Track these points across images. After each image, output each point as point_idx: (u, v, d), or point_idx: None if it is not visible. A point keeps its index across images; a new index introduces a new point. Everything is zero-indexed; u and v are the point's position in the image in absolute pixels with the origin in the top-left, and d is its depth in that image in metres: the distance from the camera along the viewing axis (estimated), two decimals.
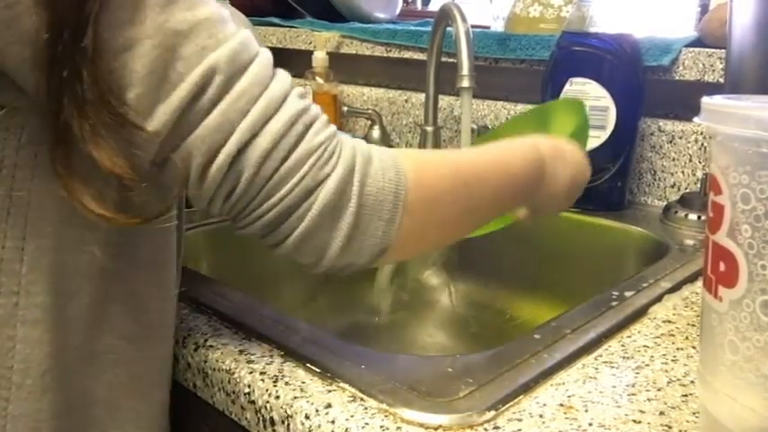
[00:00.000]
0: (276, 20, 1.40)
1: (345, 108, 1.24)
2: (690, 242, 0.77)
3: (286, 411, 0.45)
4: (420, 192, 0.45)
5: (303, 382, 0.47)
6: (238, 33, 0.41)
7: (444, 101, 1.12)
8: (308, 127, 0.42)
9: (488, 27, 1.23)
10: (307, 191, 0.41)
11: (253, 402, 0.47)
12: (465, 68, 0.87)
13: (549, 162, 0.56)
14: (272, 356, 0.51)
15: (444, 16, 0.98)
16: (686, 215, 0.82)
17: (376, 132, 1.19)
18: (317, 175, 0.42)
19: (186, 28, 0.38)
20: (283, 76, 0.43)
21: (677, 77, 0.88)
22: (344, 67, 1.26)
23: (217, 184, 0.41)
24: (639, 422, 0.43)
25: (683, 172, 0.90)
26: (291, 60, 1.36)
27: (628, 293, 0.62)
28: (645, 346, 0.53)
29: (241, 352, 0.51)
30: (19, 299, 0.42)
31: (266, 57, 0.42)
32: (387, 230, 0.44)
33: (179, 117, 0.38)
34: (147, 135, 0.38)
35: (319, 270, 0.45)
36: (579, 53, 0.87)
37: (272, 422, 0.46)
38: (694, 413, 0.44)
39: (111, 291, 0.46)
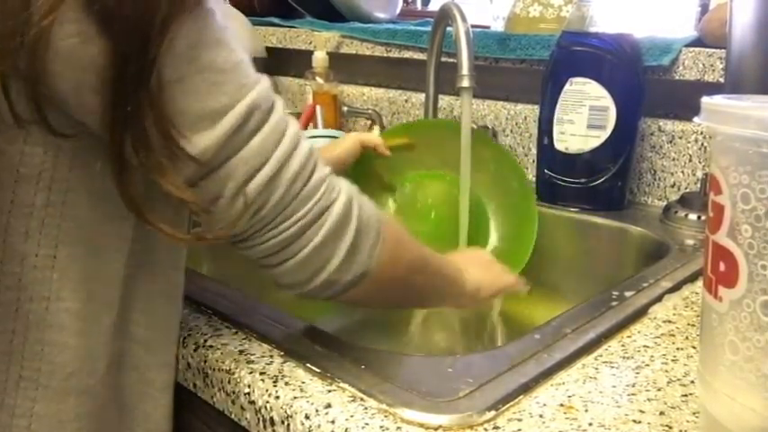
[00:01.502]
0: (276, 20, 1.40)
1: (345, 108, 1.24)
2: (690, 242, 0.77)
3: (286, 411, 0.45)
4: (392, 231, 0.52)
5: (303, 382, 0.47)
6: (264, 77, 0.46)
7: (444, 101, 1.12)
8: (317, 160, 0.48)
9: (488, 27, 1.23)
10: (322, 209, 0.47)
11: (253, 402, 0.47)
12: (465, 68, 0.87)
13: (465, 269, 0.65)
14: (272, 356, 0.51)
15: (444, 16, 0.98)
16: (686, 215, 0.82)
17: (376, 132, 1.19)
18: (329, 196, 0.47)
19: (230, 67, 0.42)
20: (292, 118, 0.48)
21: (677, 77, 0.88)
22: (344, 67, 1.26)
23: (251, 201, 0.44)
24: (639, 422, 0.43)
25: (683, 172, 0.90)
26: (291, 60, 1.36)
27: (628, 293, 0.62)
28: (645, 346, 0.53)
29: (241, 352, 0.51)
30: (49, 304, 0.44)
31: (281, 101, 0.47)
32: (371, 253, 0.50)
33: (226, 140, 0.42)
34: (188, 161, 0.41)
35: (305, 289, 0.49)
36: (579, 53, 0.87)
37: (272, 422, 0.46)
38: (694, 413, 0.44)
39: (131, 297, 0.48)
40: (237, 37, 0.44)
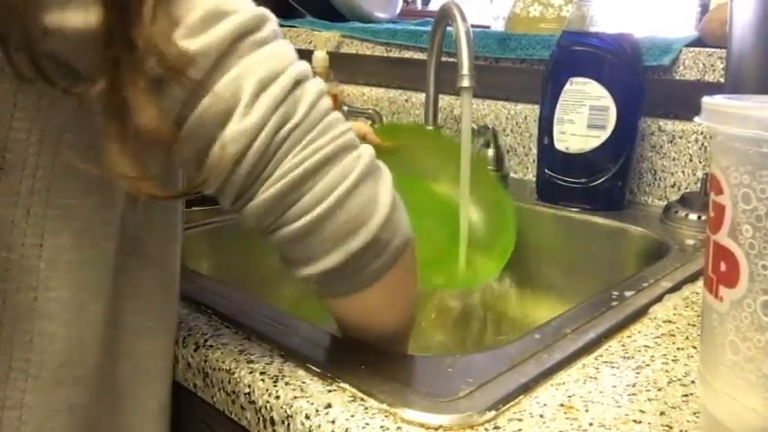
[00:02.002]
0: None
1: (345, 108, 1.24)
2: (690, 242, 0.77)
3: (286, 411, 0.45)
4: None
5: (303, 382, 0.47)
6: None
7: (444, 101, 1.12)
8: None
9: (488, 27, 1.23)
10: (354, 141, 0.42)
11: (253, 402, 0.47)
12: (465, 68, 0.87)
13: None
14: (272, 356, 0.51)
15: (444, 16, 0.98)
16: (686, 215, 0.82)
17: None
18: (355, 139, 0.42)
19: None
20: None
21: (677, 77, 0.88)
22: (344, 66, 1.26)
23: (276, 105, 0.39)
24: (640, 422, 0.43)
25: (683, 172, 0.90)
26: None
27: (628, 293, 0.62)
28: (645, 345, 0.53)
29: (241, 352, 0.51)
30: (37, 294, 0.43)
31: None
32: (407, 223, 0.45)
33: (234, 39, 0.38)
34: (195, 55, 0.37)
35: (352, 249, 0.41)
36: (579, 53, 0.87)
37: (272, 422, 0.46)
38: (695, 413, 0.44)
39: (122, 285, 0.48)
40: None
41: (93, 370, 0.47)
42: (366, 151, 0.42)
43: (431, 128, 0.98)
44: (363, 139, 0.79)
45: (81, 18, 0.37)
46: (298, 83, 0.40)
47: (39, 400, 0.44)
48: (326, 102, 0.41)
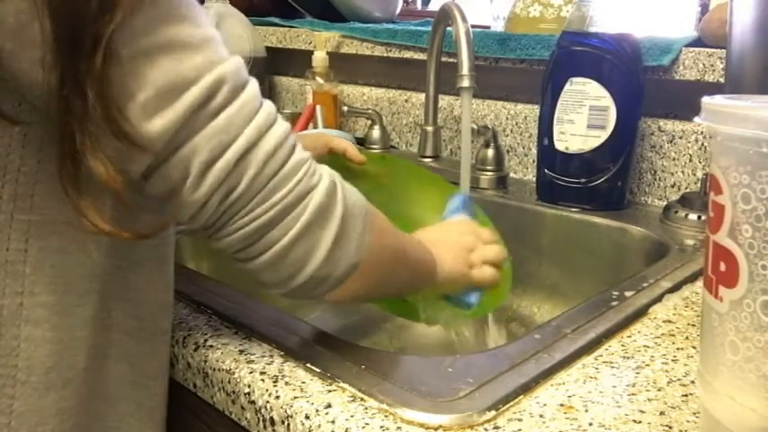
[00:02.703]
0: (276, 20, 1.40)
1: (345, 108, 1.24)
2: (690, 242, 0.77)
3: (286, 411, 0.45)
4: (376, 219, 0.50)
5: (303, 382, 0.47)
6: (236, 56, 0.44)
7: (444, 101, 1.12)
8: (296, 142, 0.45)
9: (488, 27, 1.23)
10: (302, 193, 0.44)
11: (253, 402, 0.47)
12: (465, 68, 0.87)
13: (436, 253, 0.61)
14: (272, 356, 0.51)
15: (444, 16, 0.98)
16: (686, 215, 0.82)
17: (376, 132, 1.19)
18: (310, 181, 0.45)
19: (196, 42, 0.41)
20: (268, 101, 0.46)
21: (677, 77, 0.88)
22: (344, 67, 1.26)
23: (219, 182, 0.42)
24: (640, 422, 0.43)
25: (683, 172, 0.90)
26: (291, 60, 1.36)
27: (628, 293, 0.62)
28: (645, 346, 0.53)
29: (241, 352, 0.51)
30: (23, 299, 0.43)
31: (255, 81, 0.45)
32: (360, 243, 0.47)
33: (187, 118, 0.40)
34: (150, 138, 0.40)
35: (290, 287, 0.47)
36: (579, 53, 0.87)
37: (272, 422, 0.46)
38: (694, 413, 0.44)
39: (113, 288, 0.47)
40: (205, 16, 0.43)
41: (83, 373, 0.46)
42: (315, 198, 0.45)
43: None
44: (344, 155, 0.79)
45: (36, 57, 0.37)
46: (243, 156, 0.42)
47: (28, 405, 0.44)
48: (275, 162, 0.43)
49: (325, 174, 0.46)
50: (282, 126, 0.44)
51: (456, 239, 0.66)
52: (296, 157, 0.45)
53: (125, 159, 0.40)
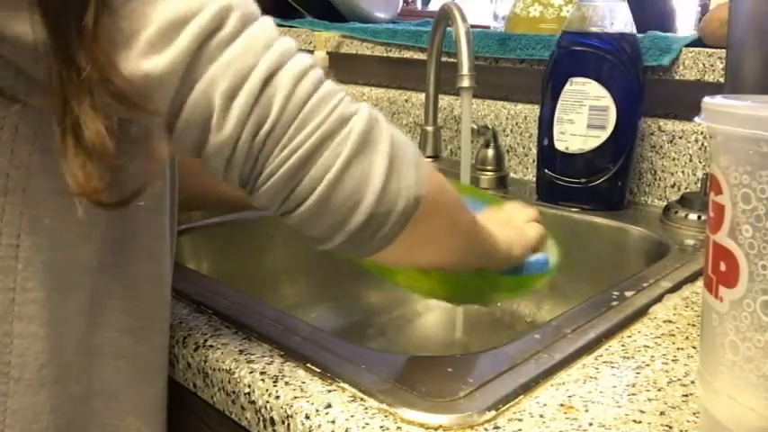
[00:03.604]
0: (276, 20, 1.39)
1: None
2: (690, 242, 0.77)
3: (286, 411, 0.45)
4: (429, 165, 0.46)
5: (303, 382, 0.47)
6: None
7: (444, 101, 1.12)
8: (322, 75, 0.42)
9: (488, 27, 1.23)
10: (343, 117, 0.41)
11: (253, 402, 0.47)
12: (465, 68, 0.87)
13: (488, 226, 0.56)
14: (272, 356, 0.51)
15: (444, 16, 0.98)
16: (686, 215, 0.82)
17: None
18: (347, 108, 0.42)
19: None
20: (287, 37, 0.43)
21: (677, 77, 0.88)
22: (344, 67, 1.26)
23: (247, 111, 0.38)
24: (640, 422, 0.43)
25: (683, 172, 0.90)
26: None
27: (628, 293, 0.62)
28: (645, 346, 0.53)
29: (241, 352, 0.51)
30: (15, 295, 0.43)
31: (269, 18, 0.43)
32: (418, 174, 0.43)
33: (197, 49, 0.37)
34: (159, 78, 0.37)
35: (348, 231, 0.42)
36: (579, 53, 0.87)
37: (272, 422, 0.46)
38: (694, 413, 0.44)
39: (109, 284, 0.47)
40: None
41: (76, 370, 0.46)
42: (357, 123, 0.41)
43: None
44: None
45: (27, 29, 0.36)
46: (268, 80, 0.39)
47: (22, 402, 0.44)
48: (306, 84, 0.40)
49: (364, 104, 0.43)
50: (306, 56, 0.41)
51: (507, 221, 0.63)
52: (327, 85, 0.41)
53: (133, 113, 0.38)
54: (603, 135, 0.86)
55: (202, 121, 0.38)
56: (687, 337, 0.55)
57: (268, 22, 0.41)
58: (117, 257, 0.47)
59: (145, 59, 0.37)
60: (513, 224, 0.63)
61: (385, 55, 1.21)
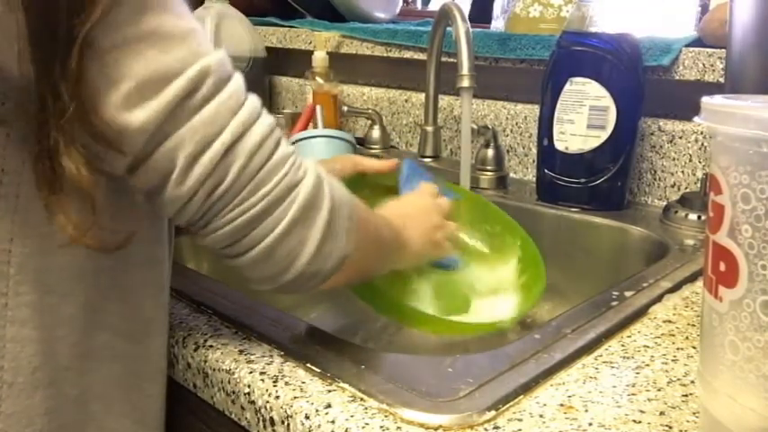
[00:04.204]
0: (276, 20, 1.40)
1: (345, 108, 1.24)
2: (690, 242, 0.77)
3: (286, 411, 0.45)
4: (360, 209, 0.50)
5: (303, 382, 0.47)
6: (220, 49, 0.44)
7: (444, 101, 1.12)
8: (281, 137, 0.45)
9: (488, 27, 1.23)
10: (290, 186, 0.44)
11: (253, 402, 0.47)
12: (465, 68, 0.87)
13: (403, 231, 0.62)
14: (272, 356, 0.51)
15: (444, 16, 0.98)
16: (686, 215, 0.82)
17: (376, 132, 1.19)
18: (296, 174, 0.45)
19: (179, 33, 0.41)
20: (253, 94, 0.45)
21: (677, 77, 0.88)
22: (344, 66, 1.26)
23: (206, 175, 0.41)
24: (640, 422, 0.43)
25: (683, 172, 0.90)
26: (291, 60, 1.36)
27: (628, 293, 0.62)
28: (645, 346, 0.53)
29: (241, 352, 0.51)
30: (8, 299, 0.43)
31: (240, 74, 0.45)
32: (348, 236, 0.48)
33: (171, 110, 0.40)
34: (132, 131, 0.39)
35: (280, 282, 0.46)
36: (579, 53, 0.87)
37: (272, 422, 0.46)
38: (694, 413, 0.44)
39: (105, 289, 0.47)
40: (188, 8, 0.42)
41: (70, 372, 0.46)
42: (302, 191, 0.44)
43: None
44: (372, 171, 0.77)
45: (14, 61, 0.37)
46: (229, 149, 0.42)
47: (16, 406, 0.44)
48: (262, 153, 0.43)
49: (311, 168, 0.46)
50: (268, 120, 0.44)
51: (422, 217, 0.67)
52: (282, 150, 0.44)
53: (105, 158, 0.40)
54: (603, 135, 0.86)
55: (164, 174, 0.41)
56: (687, 337, 0.55)
57: (238, 83, 0.43)
58: (112, 262, 0.47)
59: (122, 111, 0.39)
60: (425, 222, 0.67)
61: (385, 55, 1.21)
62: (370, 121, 1.20)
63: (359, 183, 0.75)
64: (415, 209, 0.68)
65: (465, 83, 0.87)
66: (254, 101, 0.44)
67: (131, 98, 0.39)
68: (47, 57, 0.37)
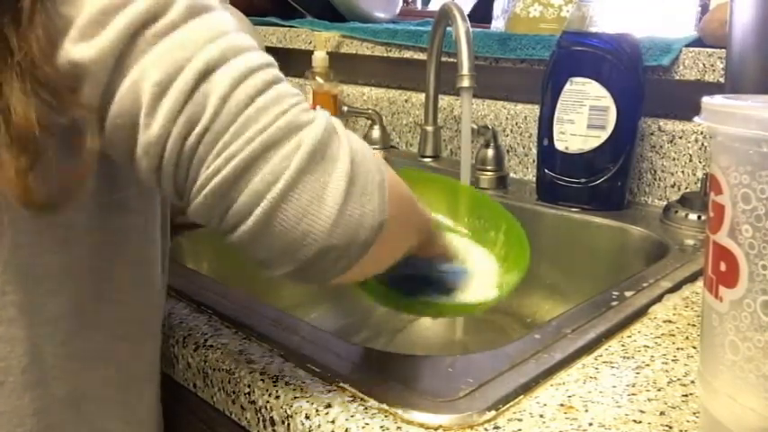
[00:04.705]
0: (276, 20, 1.40)
1: (345, 108, 1.24)
2: (690, 242, 0.77)
3: (286, 411, 0.45)
4: (390, 172, 0.41)
5: (303, 382, 0.47)
6: None
7: (444, 101, 1.12)
8: (282, 79, 0.38)
9: (488, 27, 1.23)
10: (291, 126, 0.35)
11: (253, 402, 0.47)
12: (465, 68, 0.87)
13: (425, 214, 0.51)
14: (272, 356, 0.51)
15: (444, 16, 0.98)
16: (686, 215, 0.82)
17: (376, 132, 1.19)
18: (299, 116, 0.36)
19: None
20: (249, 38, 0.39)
21: (677, 77, 0.88)
22: (344, 67, 1.26)
23: (177, 109, 0.34)
24: (640, 422, 0.43)
25: (683, 172, 0.90)
26: (291, 60, 1.36)
27: (628, 293, 0.62)
28: (645, 346, 0.53)
29: (241, 352, 0.51)
30: None
31: (227, 15, 0.39)
32: (381, 198, 0.38)
33: (130, 36, 0.34)
34: (91, 64, 0.34)
35: (299, 260, 0.37)
36: (579, 53, 0.87)
37: (272, 422, 0.46)
38: (694, 413, 0.44)
39: (97, 289, 0.46)
40: None
41: (61, 373, 0.45)
42: (310, 134, 0.36)
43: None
44: None
45: None
46: (204, 76, 0.34)
47: (6, 406, 0.43)
48: (249, 84, 0.35)
49: (322, 114, 0.38)
50: (262, 55, 0.37)
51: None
52: (281, 87, 0.37)
53: (63, 104, 0.35)
54: (603, 135, 0.86)
55: (131, 117, 0.35)
56: (687, 337, 0.55)
57: (222, 16, 0.37)
58: (103, 262, 0.46)
59: (74, 47, 0.34)
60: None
61: (385, 55, 1.21)
62: (370, 121, 1.20)
63: None
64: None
65: (465, 83, 0.87)
66: (243, 37, 0.37)
67: (82, 33, 0.34)
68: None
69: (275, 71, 0.38)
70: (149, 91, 0.34)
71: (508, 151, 1.06)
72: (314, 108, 0.38)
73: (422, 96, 1.13)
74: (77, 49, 0.34)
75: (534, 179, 0.96)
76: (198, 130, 0.35)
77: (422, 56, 1.13)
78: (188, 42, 0.35)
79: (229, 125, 0.34)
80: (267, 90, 0.36)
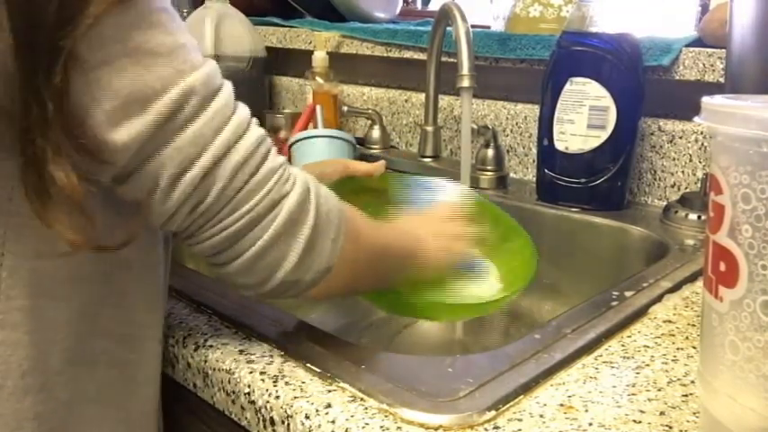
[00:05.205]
0: (276, 20, 1.40)
1: (345, 108, 1.24)
2: (690, 242, 0.77)
3: (286, 411, 0.45)
4: (353, 224, 0.51)
5: (303, 382, 0.47)
6: (208, 62, 0.44)
7: (444, 101, 1.12)
8: (269, 149, 0.46)
9: (488, 27, 1.23)
10: (272, 203, 0.45)
11: (253, 402, 0.47)
12: (465, 68, 0.87)
13: (419, 242, 0.62)
14: (272, 356, 0.51)
15: (444, 16, 0.98)
16: (686, 215, 0.82)
17: (376, 132, 1.19)
18: (281, 189, 0.46)
19: (165, 51, 0.40)
20: (244, 105, 0.46)
21: (677, 77, 0.88)
22: (344, 67, 1.26)
23: (187, 195, 0.43)
24: (640, 422, 0.43)
25: (683, 172, 0.90)
26: (291, 60, 1.36)
27: (628, 293, 0.62)
28: (645, 346, 0.53)
29: (241, 352, 0.51)
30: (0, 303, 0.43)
31: (229, 85, 0.45)
32: (333, 249, 0.48)
33: (155, 130, 0.40)
34: (115, 148, 0.40)
35: (262, 290, 0.48)
36: (579, 53, 0.87)
37: (272, 422, 0.46)
38: (694, 413, 0.44)
39: (100, 293, 0.47)
40: (180, 21, 0.42)
41: (62, 377, 0.46)
42: (286, 206, 0.45)
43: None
44: (363, 174, 0.78)
45: (1, 48, 0.37)
46: (210, 170, 0.43)
47: (5, 409, 0.44)
48: (246, 171, 0.44)
49: (299, 181, 0.47)
50: (254, 134, 0.45)
51: (441, 227, 0.66)
52: (268, 165, 0.45)
53: (90, 169, 0.40)
54: (603, 135, 0.86)
55: (148, 190, 0.43)
56: (687, 337, 0.55)
57: (225, 96, 0.44)
58: (106, 266, 0.47)
59: (106, 128, 0.39)
60: (446, 231, 0.66)
61: (385, 55, 1.21)
62: (370, 121, 1.20)
63: (350, 186, 0.76)
64: (433, 220, 0.68)
65: (465, 83, 0.87)
66: (241, 114, 0.45)
67: (115, 116, 0.39)
68: (31, 67, 0.37)
69: (264, 145, 0.46)
70: (166, 179, 0.42)
71: (508, 151, 1.06)
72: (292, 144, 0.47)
73: (422, 96, 1.13)
74: (108, 133, 0.39)
75: (534, 179, 0.96)
76: (201, 209, 0.44)
77: (422, 56, 1.13)
78: (199, 140, 0.42)
79: (225, 206, 0.44)
80: (256, 173, 0.45)
